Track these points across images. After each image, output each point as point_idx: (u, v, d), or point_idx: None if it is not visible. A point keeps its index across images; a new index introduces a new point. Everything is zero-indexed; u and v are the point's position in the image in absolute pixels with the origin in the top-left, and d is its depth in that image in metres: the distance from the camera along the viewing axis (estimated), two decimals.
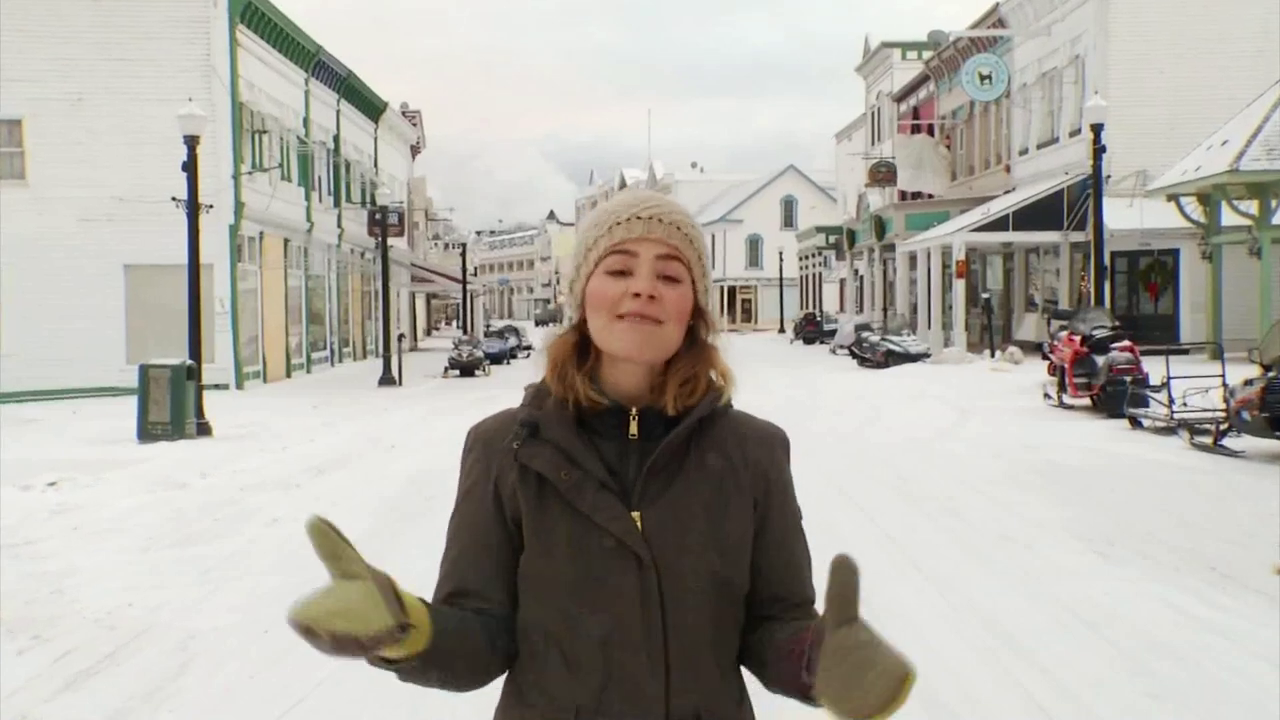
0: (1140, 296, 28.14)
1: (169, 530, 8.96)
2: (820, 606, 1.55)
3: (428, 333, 61.88)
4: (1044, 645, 5.46)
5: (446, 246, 67.78)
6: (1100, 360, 16.18)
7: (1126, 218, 25.14)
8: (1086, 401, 16.68)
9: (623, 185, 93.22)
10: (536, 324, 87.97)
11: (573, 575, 1.52)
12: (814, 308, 57.31)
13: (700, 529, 1.55)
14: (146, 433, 15.04)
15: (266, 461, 13.08)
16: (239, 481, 11.52)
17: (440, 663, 1.47)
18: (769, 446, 1.64)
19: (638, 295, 1.53)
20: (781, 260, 61.33)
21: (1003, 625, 5.82)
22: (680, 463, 1.58)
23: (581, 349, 1.60)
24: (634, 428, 1.58)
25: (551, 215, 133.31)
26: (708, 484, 1.58)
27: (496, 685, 1.60)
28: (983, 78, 34.25)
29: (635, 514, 1.54)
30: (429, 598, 1.63)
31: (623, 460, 1.57)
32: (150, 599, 6.70)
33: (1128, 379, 15.30)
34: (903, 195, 43.04)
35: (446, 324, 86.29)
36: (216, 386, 21.88)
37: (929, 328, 32.61)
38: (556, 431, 1.56)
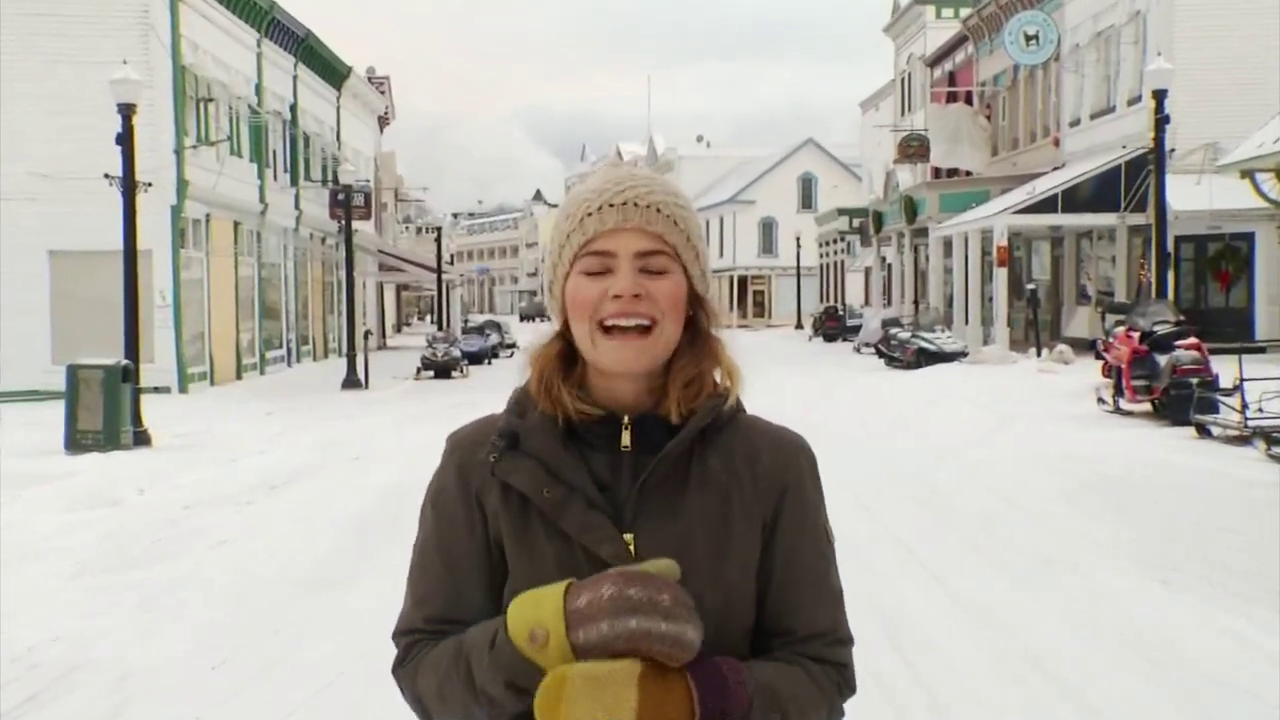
0: (1209, 287, 28.13)
1: (101, 554, 8.94)
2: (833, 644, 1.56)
3: (398, 329, 61.82)
4: (1096, 684, 5.46)
5: (419, 231, 67.72)
6: (1162, 360, 16.17)
7: (1193, 197, 25.11)
8: (1146, 407, 16.68)
9: (618, 162, 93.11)
10: (521, 318, 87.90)
11: None
12: (836, 301, 57.30)
13: (702, 553, 1.54)
14: (75, 443, 15.01)
15: (214, 475, 13.06)
16: (182, 498, 11.51)
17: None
18: (786, 456, 1.63)
19: (619, 297, 1.53)
20: (799, 247, 61.31)
21: (1049, 662, 5.81)
22: (681, 477, 1.57)
23: (569, 355, 1.60)
24: (626, 439, 1.58)
25: (538, 196, 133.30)
26: (711, 501, 1.57)
27: None
28: (1028, 38, 34.23)
29: (627, 536, 1.53)
30: (395, 624, 1.64)
31: (614, 474, 1.57)
32: (80, 633, 6.68)
33: (1194, 381, 15.29)
34: (936, 173, 42.99)
35: (419, 319, 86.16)
36: (156, 390, 21.82)
37: (966, 323, 32.57)
38: (539, 443, 1.57)
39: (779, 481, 1.61)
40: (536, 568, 1.54)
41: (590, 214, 1.57)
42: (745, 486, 1.59)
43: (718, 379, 1.63)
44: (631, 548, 1.53)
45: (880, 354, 32.41)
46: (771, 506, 1.60)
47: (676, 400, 1.57)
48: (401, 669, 1.62)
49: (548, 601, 1.43)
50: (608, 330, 1.54)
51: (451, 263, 67.17)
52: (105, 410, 15.09)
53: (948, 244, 36.40)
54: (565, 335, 1.61)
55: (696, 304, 1.61)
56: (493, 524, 1.58)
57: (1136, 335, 16.96)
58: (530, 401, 1.61)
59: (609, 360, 1.55)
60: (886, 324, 34.59)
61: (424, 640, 1.60)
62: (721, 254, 70.52)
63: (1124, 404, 17.14)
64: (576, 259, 1.57)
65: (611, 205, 1.56)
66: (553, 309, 1.63)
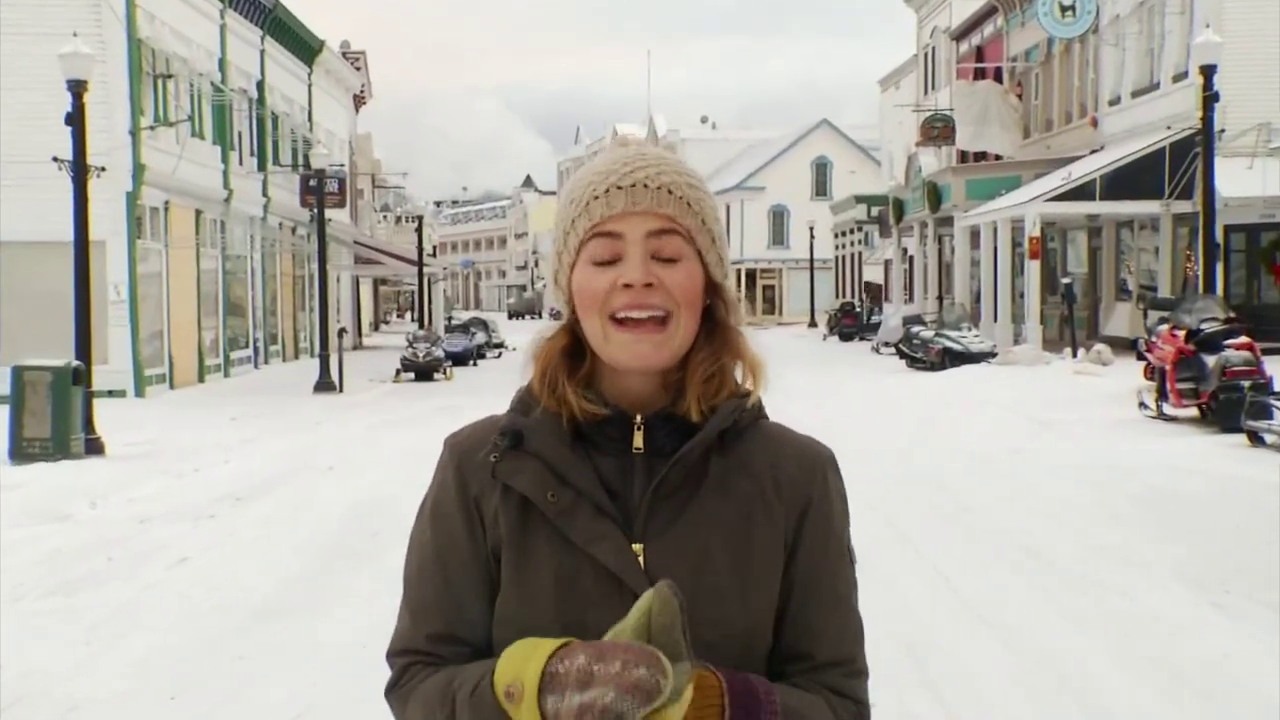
0: (1262, 281, 28.09)
1: (47, 574, 8.89)
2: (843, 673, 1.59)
3: (375, 327, 61.94)
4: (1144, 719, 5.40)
5: (399, 220, 67.87)
6: (1210, 361, 16.14)
7: (1245, 183, 25.08)
8: (1193, 412, 16.64)
9: None
10: (510, 316, 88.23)
11: (559, 621, 1.52)
12: (853, 296, 57.34)
13: (719, 567, 1.56)
14: (20, 451, 14.96)
15: (172, 487, 13.04)
16: (137, 512, 11.48)
17: None
18: (811, 467, 1.64)
19: (629, 286, 1.54)
20: (812, 237, 61.33)
21: (1093, 694, 5.77)
22: (697, 484, 1.58)
23: (575, 351, 1.62)
24: (639, 440, 1.59)
25: (528, 182, 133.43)
26: (730, 511, 1.58)
27: None
28: (1064, 8, 34.22)
29: (637, 546, 1.55)
30: (383, 644, 1.67)
31: (625, 479, 1.59)
32: (22, 661, 6.63)
33: (1245, 384, 15.25)
34: (963, 156, 42.99)
35: (399, 316, 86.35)
36: (111, 394, 21.79)
37: (995, 321, 32.56)
38: (544, 442, 1.58)
39: (803, 495, 1.62)
40: (532, 579, 1.55)
41: (596, 197, 1.57)
42: (768, 497, 1.60)
43: (739, 376, 1.64)
44: (641, 559, 1.54)
45: (901, 354, 32.41)
46: (794, 521, 1.61)
47: (696, 397, 1.58)
48: (395, 693, 1.64)
49: (536, 657, 1.45)
50: (620, 323, 1.55)
51: (434, 255, 67.26)
52: (54, 416, 15.04)
53: (975, 234, 36.37)
54: (573, 328, 1.62)
55: (713, 293, 1.62)
56: (491, 532, 1.59)
57: (1182, 334, 16.93)
58: (534, 399, 1.62)
59: (624, 356, 1.56)
60: (908, 322, 34.59)
61: (420, 664, 1.62)
62: (728, 242, 70.55)
63: (1168, 409, 17.10)
64: (583, 246, 1.58)
65: (619, 187, 1.57)
66: (560, 301, 1.64)
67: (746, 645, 1.56)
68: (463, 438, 1.67)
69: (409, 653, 1.63)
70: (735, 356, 1.62)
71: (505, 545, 1.57)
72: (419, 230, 50.53)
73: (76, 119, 16.53)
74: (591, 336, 1.58)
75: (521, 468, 1.57)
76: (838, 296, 60.19)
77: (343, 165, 43.65)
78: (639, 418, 1.58)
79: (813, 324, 58.95)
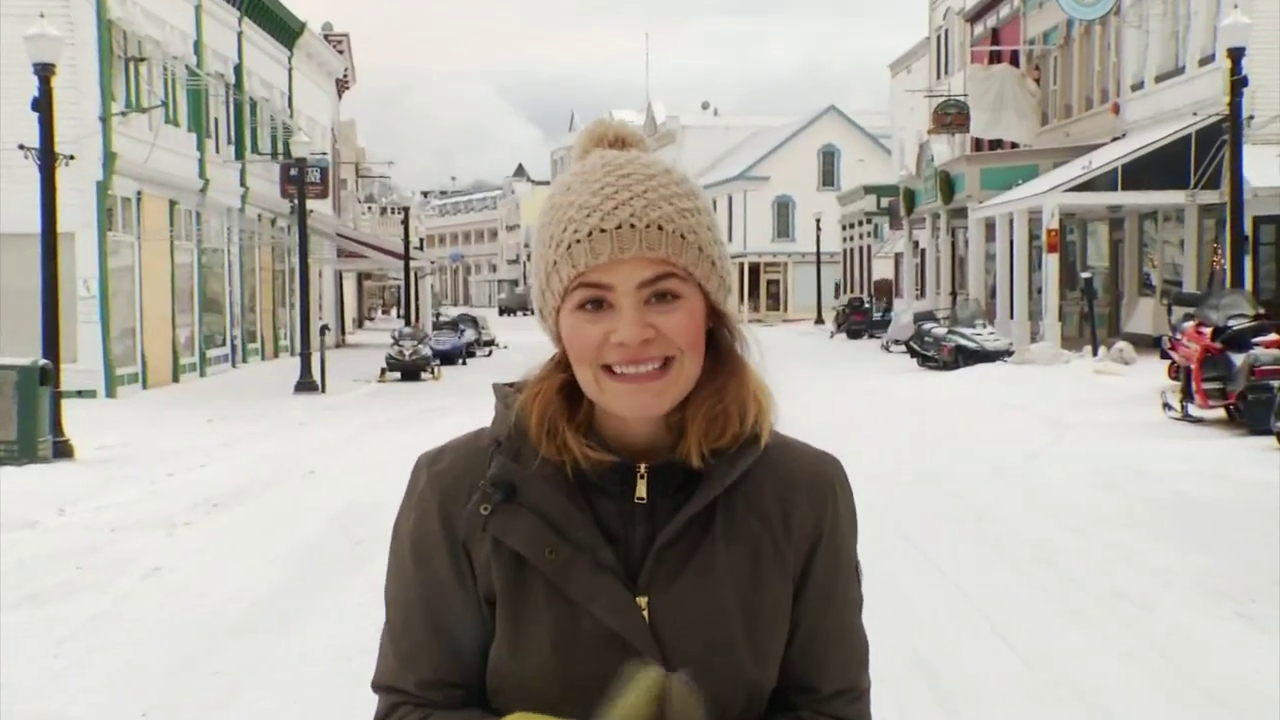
0: None
1: (12, 585, 8.85)
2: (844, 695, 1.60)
3: (359, 324, 61.91)
4: None
5: (384, 211, 67.78)
6: (1238, 359, 16.14)
7: (1275, 172, 25.06)
8: (1220, 413, 16.65)
9: None
10: (501, 311, 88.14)
11: (557, 680, 1.51)
12: (862, 291, 57.36)
13: (729, 619, 1.54)
14: None
15: (145, 493, 13.01)
16: (108, 520, 11.44)
17: None
18: (823, 492, 1.62)
19: (624, 345, 1.49)
20: (819, 230, 61.34)
21: (1116, 713, 5.75)
22: (703, 531, 1.55)
23: (571, 389, 1.57)
24: (642, 490, 1.56)
25: (520, 171, 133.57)
26: (739, 558, 1.56)
27: None
28: None
29: (642, 600, 1.53)
30: (368, 660, 1.66)
31: (627, 526, 1.56)
32: None
33: (1275, 384, 15.24)
34: (977, 145, 42.99)
35: (384, 312, 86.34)
36: (80, 394, 21.78)
37: (1011, 318, 32.56)
38: (541, 494, 1.55)
39: (814, 529, 1.60)
40: (530, 638, 1.53)
41: (579, 240, 1.49)
42: (777, 535, 1.58)
43: (746, 411, 1.59)
44: (645, 614, 1.51)
45: (912, 353, 32.43)
46: (804, 554, 1.60)
47: (697, 441, 1.54)
48: None
49: None
50: (616, 374, 1.50)
51: (421, 248, 67.21)
52: (20, 418, 15.01)
53: (990, 227, 36.40)
54: (565, 366, 1.57)
55: (716, 317, 1.57)
56: (482, 577, 1.56)
57: (1208, 331, 16.93)
58: (523, 439, 1.57)
59: (622, 406, 1.52)
60: (919, 318, 34.60)
61: (409, 705, 1.60)
62: (731, 238, 70.53)
63: (1194, 410, 17.10)
64: (567, 294, 1.51)
65: (603, 230, 1.48)
66: (548, 333, 1.59)
67: (753, 694, 1.56)
68: (443, 468, 1.61)
69: (396, 691, 1.61)
70: (741, 389, 1.57)
71: (499, 598, 1.55)
72: (405, 222, 50.40)
73: (44, 105, 16.50)
74: (585, 386, 1.53)
75: (516, 526, 1.53)
76: (844, 292, 60.23)
77: (325, 154, 43.59)
78: (643, 468, 1.55)
79: (819, 320, 58.98)
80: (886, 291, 54.32)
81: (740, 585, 1.54)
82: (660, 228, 1.49)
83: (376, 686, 1.64)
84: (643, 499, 1.54)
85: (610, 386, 1.50)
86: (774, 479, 1.59)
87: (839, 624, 1.62)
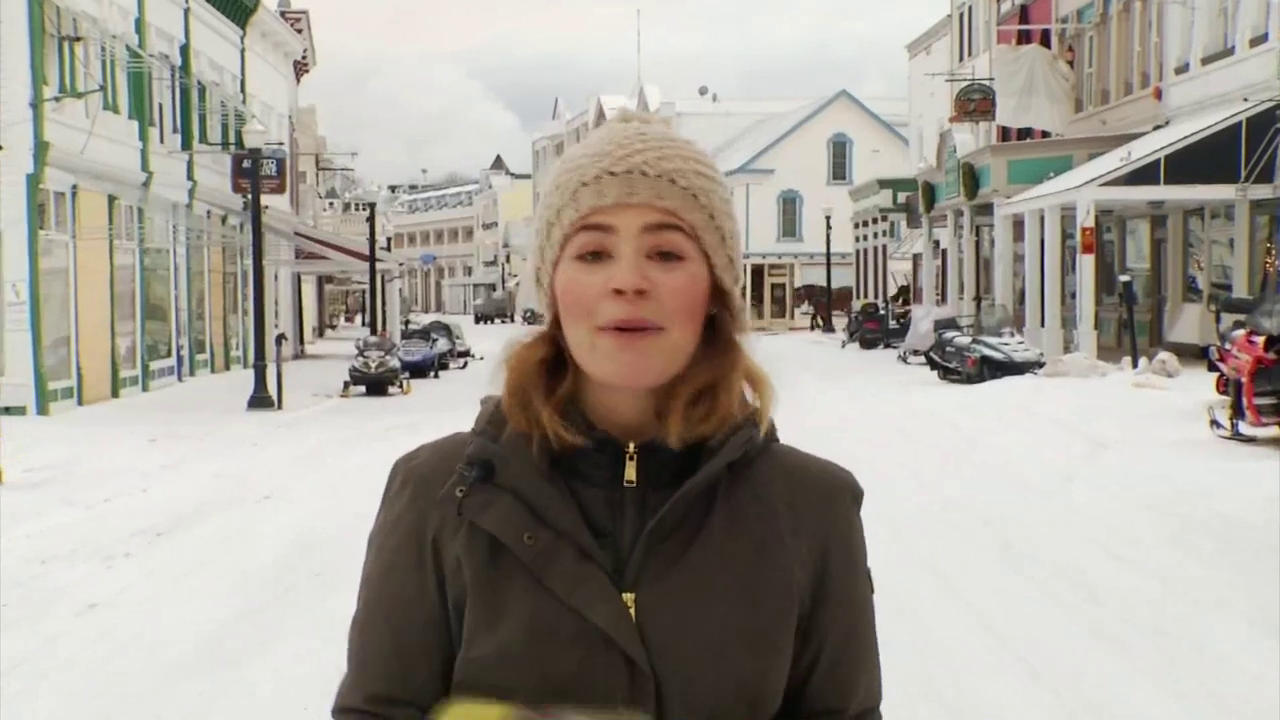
0: None
1: None
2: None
3: (320, 332, 61.93)
4: None
5: (347, 208, 67.98)
6: None
7: None
8: (1273, 431, 16.66)
9: (601, 121, 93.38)
10: (477, 319, 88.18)
11: (533, 682, 1.52)
12: (876, 296, 57.46)
13: (725, 621, 1.56)
14: None
15: (80, 519, 13.00)
16: (38, 549, 11.41)
17: None
18: (832, 500, 1.65)
19: (620, 292, 1.53)
20: (829, 228, 61.44)
21: None
22: (700, 521, 1.58)
23: (555, 365, 1.61)
24: (631, 472, 1.58)
25: (498, 163, 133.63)
26: (740, 553, 1.58)
27: None
28: None
29: (628, 595, 1.54)
30: (327, 704, 1.68)
31: (614, 515, 1.58)
32: None
33: None
34: (1005, 134, 43.11)
35: (348, 320, 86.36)
36: (8, 410, 21.87)
37: (1042, 325, 32.61)
38: (520, 474, 1.58)
39: (823, 538, 1.63)
40: (503, 630, 1.54)
41: (586, 183, 1.56)
42: (785, 536, 1.60)
43: (748, 397, 1.63)
44: (632, 610, 1.53)
45: (933, 364, 32.43)
46: (817, 565, 1.62)
47: (677, 421, 1.56)
48: None
49: None
50: (605, 329, 1.54)
51: (388, 248, 67.23)
52: None
53: (1018, 225, 36.45)
54: (554, 338, 1.61)
55: (718, 299, 1.61)
56: (452, 581, 1.59)
57: (1261, 340, 16.95)
58: (505, 425, 1.61)
59: (606, 369, 1.55)
60: (940, 326, 34.63)
61: None
62: (742, 244, 70.72)
63: (1244, 427, 17.11)
64: (568, 240, 1.57)
65: (613, 174, 1.55)
66: (542, 303, 1.64)
67: (757, 704, 1.56)
68: (419, 463, 1.65)
69: (350, 711, 1.65)
70: (734, 373, 1.60)
71: (471, 595, 1.57)
72: (371, 220, 50.38)
73: None
74: (575, 346, 1.57)
75: (491, 504, 1.56)
76: (858, 296, 60.30)
77: (281, 144, 43.63)
78: (632, 447, 1.58)
79: (814, 325, 59.06)
80: (904, 296, 54.45)
81: (739, 584, 1.56)
82: (673, 181, 1.56)
83: (334, 712, 1.67)
84: (632, 482, 1.58)
85: (597, 344, 1.53)
86: (781, 477, 1.62)
87: (862, 645, 1.66)
